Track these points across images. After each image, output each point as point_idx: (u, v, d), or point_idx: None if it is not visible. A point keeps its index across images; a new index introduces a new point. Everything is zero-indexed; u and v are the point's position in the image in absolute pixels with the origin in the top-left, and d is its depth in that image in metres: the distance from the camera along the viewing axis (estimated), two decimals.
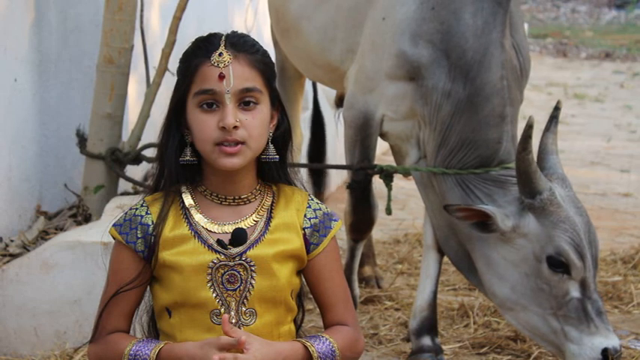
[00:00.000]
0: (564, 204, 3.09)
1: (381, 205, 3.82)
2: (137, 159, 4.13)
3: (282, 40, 4.32)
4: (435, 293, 3.67)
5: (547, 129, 3.27)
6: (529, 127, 3.01)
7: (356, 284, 4.02)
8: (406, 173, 3.70)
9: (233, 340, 2.02)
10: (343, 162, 3.86)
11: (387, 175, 3.63)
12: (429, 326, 3.63)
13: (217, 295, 2.10)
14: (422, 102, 3.43)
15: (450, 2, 3.37)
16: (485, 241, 3.22)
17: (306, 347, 2.11)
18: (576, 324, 3.06)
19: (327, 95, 5.91)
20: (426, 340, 3.60)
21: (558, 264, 3.06)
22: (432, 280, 3.67)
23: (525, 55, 3.53)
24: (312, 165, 4.16)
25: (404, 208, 6.05)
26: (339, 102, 4.51)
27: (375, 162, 3.78)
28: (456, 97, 3.35)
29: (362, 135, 3.64)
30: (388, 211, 3.70)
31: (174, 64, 3.83)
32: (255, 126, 2.09)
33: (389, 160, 4.77)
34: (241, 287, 2.11)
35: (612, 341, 3.04)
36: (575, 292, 3.07)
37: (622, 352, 3.06)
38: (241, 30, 2.21)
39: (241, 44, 2.12)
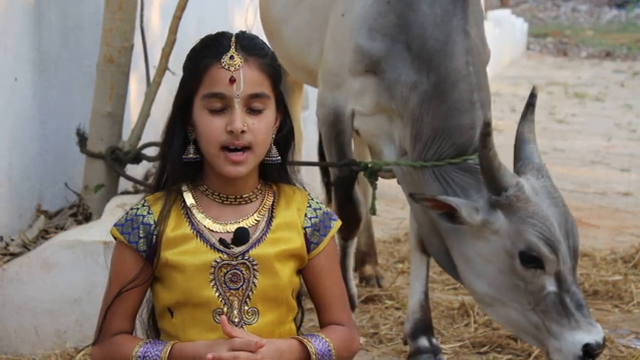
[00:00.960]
0: (534, 197, 3.03)
1: (380, 205, 3.81)
2: (137, 158, 4.13)
3: (268, 42, 4.34)
4: (425, 294, 3.66)
5: (523, 117, 3.20)
6: (487, 125, 2.96)
7: (352, 283, 4.01)
8: (388, 174, 3.67)
9: (246, 341, 2.02)
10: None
11: (372, 173, 3.62)
12: (424, 327, 3.62)
13: (220, 294, 2.11)
14: (387, 95, 3.43)
15: None
16: (461, 237, 3.18)
17: (303, 345, 2.12)
18: (556, 318, 3.00)
19: None
20: (423, 342, 3.60)
21: (530, 259, 3.00)
22: (422, 281, 3.66)
23: (486, 47, 3.53)
24: (299, 163, 4.13)
25: (404, 207, 6.04)
26: None
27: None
28: (421, 88, 3.32)
29: (335, 132, 3.65)
30: (372, 211, 3.69)
31: (174, 63, 3.83)
32: (261, 131, 2.10)
33: None
34: (244, 286, 2.11)
35: (594, 335, 2.96)
36: (551, 287, 3.01)
37: (605, 344, 3.00)
38: (241, 29, 2.21)
39: (252, 47, 2.11)
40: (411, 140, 3.37)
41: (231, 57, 2.08)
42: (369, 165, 3.63)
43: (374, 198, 3.66)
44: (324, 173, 4.38)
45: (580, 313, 2.99)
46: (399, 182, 3.59)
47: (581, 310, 3.00)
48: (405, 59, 3.37)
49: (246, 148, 2.09)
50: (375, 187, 3.64)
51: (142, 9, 4.18)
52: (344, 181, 3.70)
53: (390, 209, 5.84)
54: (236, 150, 2.08)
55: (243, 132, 2.07)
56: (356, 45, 3.45)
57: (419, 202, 3.16)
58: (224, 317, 2.06)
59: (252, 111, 2.09)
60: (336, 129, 3.64)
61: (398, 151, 3.53)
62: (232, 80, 2.06)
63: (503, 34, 15.99)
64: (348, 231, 3.88)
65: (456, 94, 3.28)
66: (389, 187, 3.67)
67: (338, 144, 3.67)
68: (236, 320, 2.11)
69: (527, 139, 3.18)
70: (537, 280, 3.01)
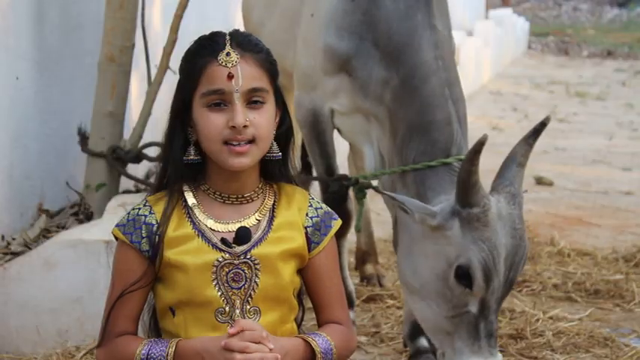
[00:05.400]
0: (495, 223, 2.98)
1: (382, 204, 3.80)
2: (138, 157, 4.13)
3: None
4: None
5: (525, 140, 3.10)
6: (481, 144, 2.87)
7: (349, 280, 4.00)
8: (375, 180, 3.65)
9: (256, 332, 2.03)
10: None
11: (361, 189, 3.61)
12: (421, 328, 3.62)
13: (222, 293, 2.11)
14: (362, 94, 3.42)
15: None
16: (411, 230, 3.16)
17: (307, 344, 2.12)
18: (464, 337, 3.02)
19: None
20: (422, 342, 3.59)
21: (463, 276, 2.99)
22: None
23: (452, 39, 3.50)
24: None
25: None
26: None
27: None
28: (392, 84, 3.31)
29: (315, 132, 3.65)
30: (357, 228, 3.68)
31: (175, 62, 3.82)
32: (263, 125, 2.10)
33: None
34: (246, 285, 2.12)
35: None
36: (472, 307, 3.01)
37: None
38: (242, 28, 2.22)
39: (247, 43, 2.12)
40: (391, 138, 3.35)
41: (228, 54, 2.09)
42: (360, 179, 3.61)
43: (361, 215, 3.65)
44: (305, 153, 4.38)
45: (487, 341, 3.01)
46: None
47: (490, 339, 3.01)
48: (373, 57, 3.36)
49: (249, 141, 2.09)
50: (362, 205, 3.63)
51: (143, 8, 4.18)
52: (335, 194, 3.68)
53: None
54: (239, 144, 2.08)
55: (245, 126, 2.07)
56: (325, 45, 3.45)
57: (380, 194, 3.18)
58: (231, 329, 2.05)
59: (253, 105, 2.10)
60: (316, 129, 3.64)
61: (376, 155, 3.52)
62: (230, 76, 2.07)
63: (504, 33, 15.99)
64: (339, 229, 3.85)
65: (427, 88, 3.24)
66: None
67: (320, 144, 3.67)
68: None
69: (519, 161, 3.09)
70: (462, 297, 3.02)
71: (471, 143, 3.03)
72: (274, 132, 2.17)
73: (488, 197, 3.00)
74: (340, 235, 3.84)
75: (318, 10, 3.52)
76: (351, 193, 3.81)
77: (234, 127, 2.07)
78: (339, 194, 3.69)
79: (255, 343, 2.02)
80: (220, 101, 2.09)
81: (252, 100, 2.10)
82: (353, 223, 3.90)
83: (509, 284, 3.04)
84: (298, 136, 4.69)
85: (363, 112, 3.48)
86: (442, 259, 3.05)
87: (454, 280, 3.02)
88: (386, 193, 3.17)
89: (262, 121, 2.10)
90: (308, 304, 2.28)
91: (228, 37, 2.11)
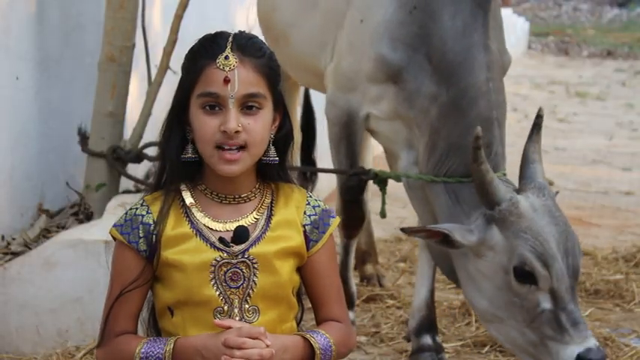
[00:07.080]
0: (531, 213, 2.99)
1: (377, 206, 3.80)
2: (138, 157, 4.13)
3: (272, 47, 4.30)
4: (432, 292, 3.66)
5: (529, 138, 3.17)
6: (476, 139, 2.93)
7: (352, 281, 4.01)
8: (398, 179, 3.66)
9: (256, 330, 2.03)
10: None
11: (381, 181, 3.61)
12: (429, 325, 3.62)
13: (220, 292, 2.11)
14: (407, 105, 3.41)
15: (427, 5, 3.34)
16: (463, 254, 3.15)
17: (306, 341, 2.13)
18: (552, 335, 2.95)
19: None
20: (426, 339, 3.60)
21: (524, 275, 2.96)
22: (428, 279, 3.66)
23: (506, 54, 3.52)
24: (307, 168, 4.12)
25: (405, 207, 6.04)
26: None
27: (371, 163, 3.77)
28: (441, 101, 3.30)
29: (346, 132, 3.64)
30: (382, 215, 3.68)
31: (175, 62, 3.83)
32: (257, 131, 2.10)
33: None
34: (244, 285, 2.12)
35: (586, 344, 2.91)
36: (545, 304, 2.96)
37: (601, 350, 2.93)
38: (243, 28, 2.21)
39: (248, 47, 2.11)
40: (426, 151, 3.36)
41: (226, 57, 2.08)
42: (378, 174, 3.61)
43: (384, 202, 3.65)
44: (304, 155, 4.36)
45: (575, 329, 2.94)
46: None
47: (577, 326, 2.94)
48: (425, 70, 3.35)
49: (241, 147, 2.09)
50: (384, 192, 3.64)
51: (143, 8, 4.18)
52: (353, 189, 3.69)
53: (391, 208, 5.81)
54: (230, 149, 2.08)
55: (237, 132, 2.07)
56: (377, 54, 3.43)
57: (411, 235, 3.15)
58: (218, 321, 2.07)
59: (248, 110, 2.09)
60: (348, 130, 3.63)
61: (414, 160, 3.51)
62: (227, 80, 2.06)
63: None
64: (351, 229, 3.87)
65: (474, 111, 3.26)
66: (390, 186, 3.68)
67: (349, 144, 3.65)
68: (237, 319, 2.11)
69: (531, 159, 3.14)
70: (532, 297, 2.97)
71: None
72: (272, 136, 2.16)
73: (511, 191, 3.03)
74: (351, 235, 3.86)
75: (370, 17, 3.49)
76: (366, 196, 3.82)
77: (225, 131, 2.07)
78: (357, 189, 3.69)
79: (253, 339, 2.03)
80: (215, 104, 2.08)
81: (248, 105, 2.09)
82: (363, 223, 3.91)
83: (572, 272, 2.98)
84: (298, 139, 4.71)
85: (403, 120, 3.47)
86: (498, 270, 3.03)
87: (517, 284, 2.99)
88: (427, 228, 3.11)
89: (256, 127, 2.09)
90: (308, 304, 2.28)
91: (230, 40, 2.10)
